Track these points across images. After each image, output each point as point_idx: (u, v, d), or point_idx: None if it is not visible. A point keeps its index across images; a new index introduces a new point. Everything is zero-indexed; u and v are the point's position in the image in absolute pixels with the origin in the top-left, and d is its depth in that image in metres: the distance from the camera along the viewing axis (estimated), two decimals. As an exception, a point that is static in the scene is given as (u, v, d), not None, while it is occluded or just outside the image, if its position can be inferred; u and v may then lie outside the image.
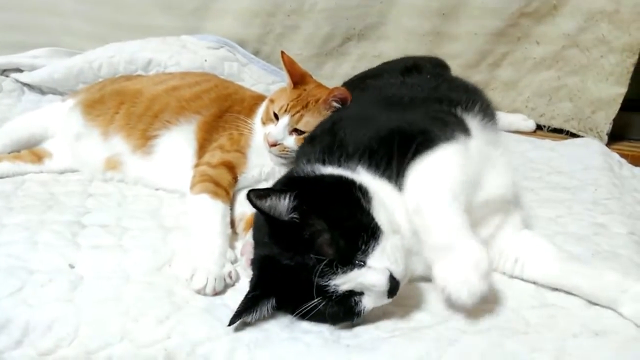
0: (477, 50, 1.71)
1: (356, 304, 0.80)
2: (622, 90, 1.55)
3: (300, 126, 1.15)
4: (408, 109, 1.01)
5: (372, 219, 0.81)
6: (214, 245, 0.97)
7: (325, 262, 0.76)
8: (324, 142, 0.99)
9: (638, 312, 0.84)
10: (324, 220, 0.79)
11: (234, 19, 1.79)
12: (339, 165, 0.91)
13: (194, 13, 1.83)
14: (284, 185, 0.89)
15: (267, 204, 0.79)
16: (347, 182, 0.85)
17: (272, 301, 0.83)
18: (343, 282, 0.78)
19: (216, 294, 0.90)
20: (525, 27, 1.64)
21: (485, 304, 0.86)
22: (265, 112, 1.20)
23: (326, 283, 0.77)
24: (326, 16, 1.74)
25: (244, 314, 0.81)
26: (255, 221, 0.93)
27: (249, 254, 0.91)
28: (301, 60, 1.80)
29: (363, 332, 0.81)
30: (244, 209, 1.10)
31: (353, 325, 0.83)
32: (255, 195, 0.79)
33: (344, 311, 0.80)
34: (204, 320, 0.83)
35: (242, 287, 0.91)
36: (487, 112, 1.06)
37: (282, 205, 0.80)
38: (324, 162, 0.92)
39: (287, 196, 0.80)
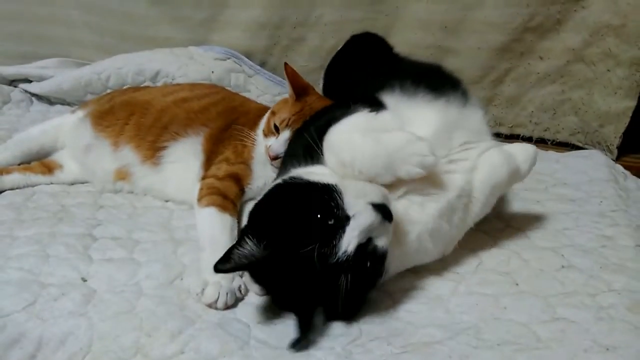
0: (480, 65, 1.70)
1: (373, 250, 0.80)
2: (631, 103, 1.54)
3: None
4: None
5: (317, 183, 0.84)
6: None
7: (316, 245, 0.77)
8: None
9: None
10: (285, 223, 0.81)
11: (242, 31, 1.80)
12: (276, 179, 0.96)
13: (202, 25, 1.84)
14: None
15: (237, 260, 0.81)
16: (278, 186, 0.90)
17: (321, 310, 0.83)
18: (347, 244, 0.78)
19: (227, 307, 0.90)
20: (529, 42, 1.63)
21: (496, 319, 0.87)
22: (266, 124, 1.21)
23: (336, 258, 0.77)
24: (332, 29, 1.75)
25: (306, 334, 0.81)
26: None
27: None
28: (307, 71, 1.82)
29: (375, 348, 0.81)
30: None
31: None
32: (221, 264, 0.81)
33: (371, 265, 0.80)
34: (217, 335, 0.83)
35: (252, 301, 0.92)
36: (417, 85, 1.06)
37: (251, 249, 0.81)
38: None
39: (245, 239, 0.81)
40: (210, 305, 0.89)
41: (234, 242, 0.85)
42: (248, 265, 0.83)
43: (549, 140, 1.71)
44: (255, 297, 0.92)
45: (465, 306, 0.91)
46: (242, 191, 1.18)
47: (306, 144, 0.95)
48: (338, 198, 0.80)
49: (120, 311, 0.88)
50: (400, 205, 0.90)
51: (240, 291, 0.93)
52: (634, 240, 1.11)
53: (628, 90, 1.53)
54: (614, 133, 1.58)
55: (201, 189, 1.16)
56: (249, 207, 1.16)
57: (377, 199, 0.81)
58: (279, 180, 0.92)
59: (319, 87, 1.80)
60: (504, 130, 1.78)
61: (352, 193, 0.81)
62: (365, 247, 0.80)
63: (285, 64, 1.26)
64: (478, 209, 1.00)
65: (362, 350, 0.81)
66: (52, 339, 0.83)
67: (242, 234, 0.84)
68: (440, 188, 0.93)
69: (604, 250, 1.08)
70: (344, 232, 0.78)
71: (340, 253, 0.77)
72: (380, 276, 0.85)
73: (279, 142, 1.15)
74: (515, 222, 1.18)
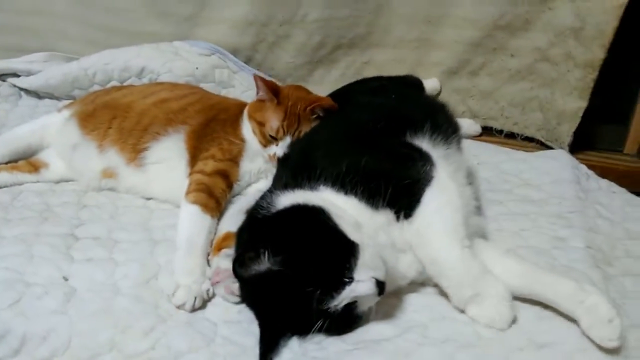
0: (458, 58, 1.77)
1: (353, 310, 0.89)
2: (583, 104, 1.61)
3: None
4: (372, 141, 1.10)
5: (345, 237, 0.90)
6: (195, 263, 1.04)
7: (319, 291, 0.85)
8: (294, 165, 1.09)
9: (593, 327, 0.90)
10: (305, 256, 0.87)
11: (228, 28, 1.83)
12: (302, 187, 0.99)
13: (188, 20, 1.86)
14: (252, 234, 0.96)
15: (254, 269, 0.87)
16: (308, 210, 0.93)
17: (287, 333, 0.91)
18: (340, 300, 0.86)
19: (195, 310, 0.97)
20: (500, 39, 1.69)
21: (444, 318, 0.95)
22: (260, 135, 1.25)
23: (327, 307, 0.86)
24: (317, 26, 1.79)
25: (270, 354, 0.88)
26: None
27: (228, 280, 0.99)
28: (293, 67, 1.88)
29: (329, 345, 0.89)
30: (229, 228, 1.15)
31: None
32: (240, 267, 0.88)
33: (346, 321, 0.90)
34: (186, 333, 0.91)
35: (221, 302, 1.00)
36: (442, 129, 1.16)
37: (264, 260, 0.87)
38: (286, 187, 1.01)
39: (264, 249, 0.87)
40: (179, 307, 0.96)
41: (245, 245, 0.92)
42: (259, 275, 0.87)
43: (517, 134, 1.79)
44: (220, 299, 1.00)
45: (418, 305, 0.99)
46: (230, 187, 1.23)
47: (349, 168, 0.98)
48: (356, 259, 0.88)
49: (98, 309, 0.95)
50: (406, 261, 0.99)
51: (207, 294, 1.00)
52: (585, 242, 1.18)
53: (582, 91, 1.60)
54: (567, 131, 1.65)
55: (190, 183, 1.21)
56: (229, 212, 1.21)
57: (381, 276, 0.89)
58: (307, 201, 0.94)
59: (305, 81, 1.86)
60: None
61: (366, 261, 0.89)
62: (350, 306, 0.88)
63: (255, 75, 1.31)
64: None
65: (317, 348, 0.89)
66: (35, 335, 0.90)
67: (260, 243, 0.88)
68: None
69: (555, 252, 1.15)
70: (343, 289, 0.86)
71: (331, 304, 0.86)
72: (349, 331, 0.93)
73: (281, 150, 1.22)
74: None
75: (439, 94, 1.83)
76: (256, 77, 1.29)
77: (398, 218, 0.99)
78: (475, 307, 0.95)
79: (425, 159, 1.06)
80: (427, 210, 0.98)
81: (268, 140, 1.24)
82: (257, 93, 1.30)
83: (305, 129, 1.24)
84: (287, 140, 1.22)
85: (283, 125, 1.22)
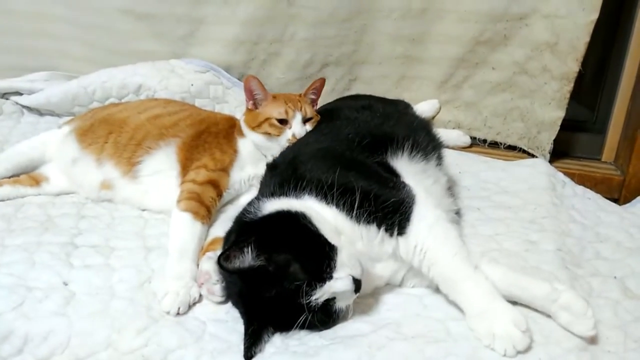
0: (443, 72, 1.86)
1: (331, 307, 0.96)
2: (561, 114, 1.71)
3: (309, 114, 1.35)
4: (357, 159, 1.18)
5: (325, 239, 0.97)
6: (186, 268, 1.11)
7: (305, 283, 0.93)
8: (281, 174, 1.15)
9: (572, 323, 0.97)
10: (288, 254, 0.95)
11: (222, 46, 1.92)
12: (287, 196, 1.07)
13: (182, 39, 1.95)
14: (239, 235, 1.03)
15: (237, 263, 0.94)
16: (291, 215, 1.01)
17: (270, 329, 0.98)
18: (321, 294, 0.94)
19: (179, 315, 1.04)
20: (482, 54, 1.78)
21: (417, 315, 1.02)
22: (272, 128, 1.33)
23: (308, 300, 0.93)
24: (305, 45, 1.87)
25: (254, 348, 0.95)
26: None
27: (208, 282, 1.06)
28: (284, 83, 1.96)
29: (309, 340, 0.96)
30: (218, 234, 1.23)
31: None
32: (224, 261, 0.94)
33: (326, 316, 0.97)
34: (176, 331, 0.98)
35: (209, 302, 1.07)
36: (422, 146, 1.24)
37: (248, 257, 0.94)
38: (272, 195, 1.08)
39: (248, 247, 0.94)
40: (165, 312, 1.03)
41: (231, 244, 0.98)
42: (244, 270, 0.94)
43: (500, 143, 1.87)
44: (207, 301, 1.07)
45: (392, 304, 1.06)
46: (220, 196, 1.31)
47: (333, 182, 1.05)
48: (335, 259, 0.96)
49: (95, 311, 1.02)
50: (381, 267, 1.08)
51: (194, 299, 1.06)
52: (556, 245, 1.25)
53: (559, 101, 1.70)
54: (547, 139, 1.74)
55: (182, 191, 1.28)
56: (221, 218, 1.29)
57: (357, 275, 0.97)
58: (292, 207, 1.02)
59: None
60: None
61: (344, 260, 0.96)
62: (329, 302, 0.96)
63: (248, 77, 1.37)
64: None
65: (298, 343, 0.96)
66: (37, 335, 0.97)
67: (245, 242, 0.94)
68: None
69: (526, 254, 1.22)
70: (323, 285, 0.94)
71: (313, 298, 0.94)
72: (328, 326, 1.00)
73: (297, 126, 1.31)
74: (453, 227, 1.32)
75: (438, 112, 1.91)
76: (250, 79, 1.36)
77: (391, 234, 1.06)
78: (484, 325, 0.96)
79: (402, 181, 1.14)
80: (420, 226, 1.05)
81: (278, 127, 1.32)
82: (251, 97, 1.37)
83: (309, 110, 1.35)
84: (299, 117, 1.32)
85: (289, 106, 1.32)
